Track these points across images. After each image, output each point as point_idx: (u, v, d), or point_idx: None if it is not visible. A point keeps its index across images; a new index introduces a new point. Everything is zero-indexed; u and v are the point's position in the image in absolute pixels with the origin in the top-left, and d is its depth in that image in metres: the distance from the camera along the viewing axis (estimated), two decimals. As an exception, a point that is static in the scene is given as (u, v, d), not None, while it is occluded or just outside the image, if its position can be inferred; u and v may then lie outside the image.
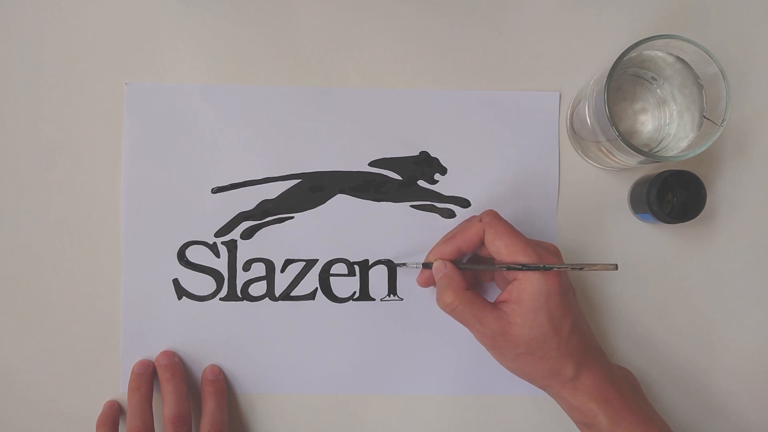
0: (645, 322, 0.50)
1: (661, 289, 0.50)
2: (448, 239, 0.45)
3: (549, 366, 0.41)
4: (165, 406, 0.47)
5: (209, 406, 0.48)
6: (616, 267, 0.40)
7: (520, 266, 0.41)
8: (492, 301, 0.43)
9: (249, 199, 0.50)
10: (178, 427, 0.46)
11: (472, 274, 0.48)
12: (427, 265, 0.46)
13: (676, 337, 0.50)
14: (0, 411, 0.50)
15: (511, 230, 0.42)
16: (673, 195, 0.47)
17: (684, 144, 0.44)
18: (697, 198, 0.47)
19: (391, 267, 0.50)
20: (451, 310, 0.43)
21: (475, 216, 0.45)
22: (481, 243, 0.43)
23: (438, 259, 0.45)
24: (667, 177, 0.46)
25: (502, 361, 0.43)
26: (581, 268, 0.41)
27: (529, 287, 0.40)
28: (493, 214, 0.43)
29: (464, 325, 0.43)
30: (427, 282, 0.47)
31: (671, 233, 0.50)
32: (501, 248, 0.42)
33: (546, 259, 0.41)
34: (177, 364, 0.49)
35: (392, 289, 0.50)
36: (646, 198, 0.47)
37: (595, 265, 0.41)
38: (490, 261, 0.46)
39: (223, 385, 0.49)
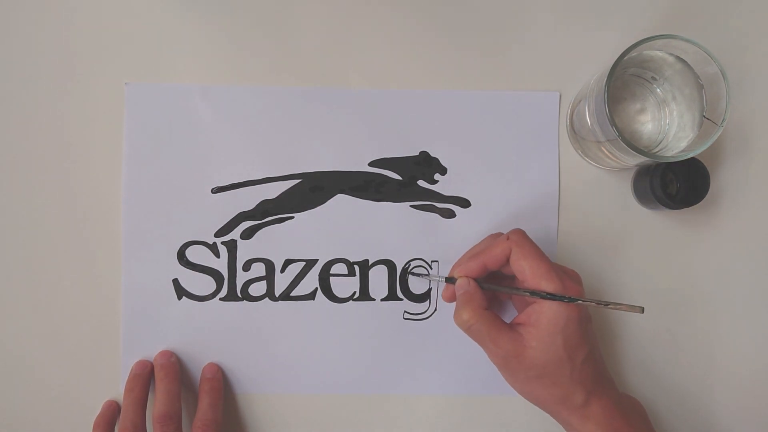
0: (648, 318, 0.50)
1: (663, 285, 0.50)
2: (474, 255, 0.45)
3: (560, 392, 0.41)
4: (155, 404, 0.47)
5: (203, 403, 0.48)
6: (642, 310, 0.40)
7: (544, 294, 0.41)
8: (509, 323, 0.43)
9: (249, 199, 0.50)
10: (164, 426, 0.46)
11: (491, 291, 0.47)
12: (450, 280, 0.46)
13: (677, 340, 0.50)
14: (0, 411, 0.50)
15: (537, 252, 0.42)
16: (677, 180, 0.47)
17: (684, 144, 0.44)
18: (701, 181, 0.46)
19: (396, 270, 0.50)
20: (467, 328, 0.43)
21: (501, 233, 0.45)
22: (507, 261, 0.43)
23: (462, 276, 0.45)
24: (670, 163, 0.46)
25: (512, 383, 0.43)
26: (606, 305, 0.41)
27: (548, 312, 0.41)
28: (521, 234, 0.43)
29: (478, 343, 0.43)
30: (452, 297, 0.47)
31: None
32: (526, 269, 0.42)
33: (568, 285, 0.41)
34: (173, 364, 0.49)
35: (392, 290, 0.50)
36: (649, 184, 0.46)
37: (620, 305, 0.40)
38: (511, 279, 0.46)
39: (220, 384, 0.49)
